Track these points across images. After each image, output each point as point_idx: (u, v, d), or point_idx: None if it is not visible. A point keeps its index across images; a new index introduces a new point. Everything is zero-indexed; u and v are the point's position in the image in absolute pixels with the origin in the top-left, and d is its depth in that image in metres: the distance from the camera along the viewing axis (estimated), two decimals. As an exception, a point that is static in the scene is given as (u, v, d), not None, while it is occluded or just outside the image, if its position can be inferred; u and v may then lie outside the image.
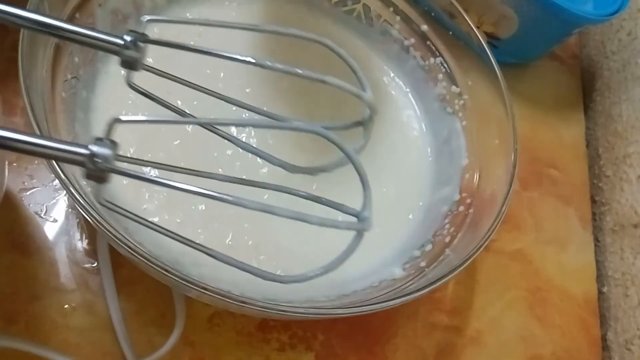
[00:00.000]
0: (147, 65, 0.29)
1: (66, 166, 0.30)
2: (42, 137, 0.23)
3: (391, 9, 0.46)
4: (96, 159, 0.23)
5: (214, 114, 0.37)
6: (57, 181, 0.37)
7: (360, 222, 0.26)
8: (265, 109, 0.41)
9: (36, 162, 0.38)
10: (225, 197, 0.24)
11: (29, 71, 0.30)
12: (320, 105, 0.43)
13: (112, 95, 0.39)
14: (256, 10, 0.46)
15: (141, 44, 0.27)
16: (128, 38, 0.26)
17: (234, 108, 0.35)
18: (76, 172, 0.32)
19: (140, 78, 0.30)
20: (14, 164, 0.38)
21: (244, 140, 0.41)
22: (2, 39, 0.40)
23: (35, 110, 0.29)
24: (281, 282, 0.27)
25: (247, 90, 0.43)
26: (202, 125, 0.35)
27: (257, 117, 0.35)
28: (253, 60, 0.27)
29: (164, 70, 0.32)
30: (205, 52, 0.28)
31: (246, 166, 0.39)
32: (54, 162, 0.28)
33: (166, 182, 0.25)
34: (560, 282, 0.46)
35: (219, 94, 0.33)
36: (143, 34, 0.27)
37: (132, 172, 0.24)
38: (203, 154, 0.39)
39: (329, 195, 0.30)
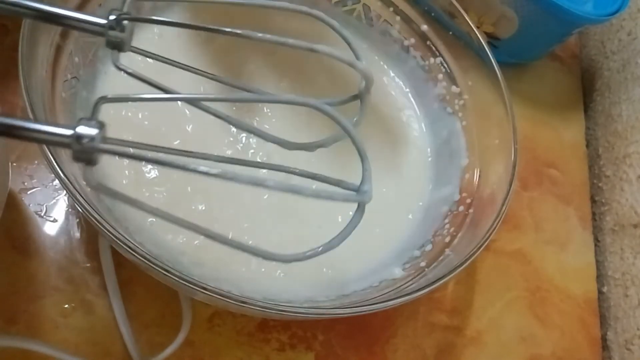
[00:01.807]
0: (135, 47, 0.29)
1: (66, 166, 0.30)
2: (25, 119, 0.23)
3: (391, 9, 0.46)
4: (83, 140, 0.22)
5: (213, 105, 0.37)
6: (57, 181, 0.37)
7: (360, 195, 0.26)
8: (265, 109, 0.42)
9: (36, 162, 0.38)
10: (213, 171, 0.23)
11: (29, 71, 0.30)
12: (319, 118, 0.43)
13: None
14: (256, 8, 0.46)
15: (126, 24, 0.26)
16: (111, 17, 0.26)
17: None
18: (76, 171, 0.32)
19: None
20: (14, 164, 0.38)
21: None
22: (2, 39, 0.40)
23: (35, 110, 0.29)
24: (282, 261, 0.26)
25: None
26: (193, 103, 0.34)
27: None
28: (240, 32, 0.27)
29: (161, 54, 0.31)
30: (192, 27, 0.27)
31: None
32: (53, 161, 0.28)
33: (156, 158, 0.24)
34: (560, 282, 0.46)
35: (213, 74, 0.33)
36: (126, 12, 0.27)
37: (120, 150, 0.23)
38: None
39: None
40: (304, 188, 0.24)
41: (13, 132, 0.22)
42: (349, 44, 0.29)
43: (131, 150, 0.24)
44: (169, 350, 0.34)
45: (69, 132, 0.22)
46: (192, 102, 0.34)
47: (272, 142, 0.32)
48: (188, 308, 0.36)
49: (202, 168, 0.23)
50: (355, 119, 0.30)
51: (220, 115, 0.32)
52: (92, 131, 0.22)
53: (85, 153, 0.22)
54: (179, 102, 0.40)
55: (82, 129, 0.22)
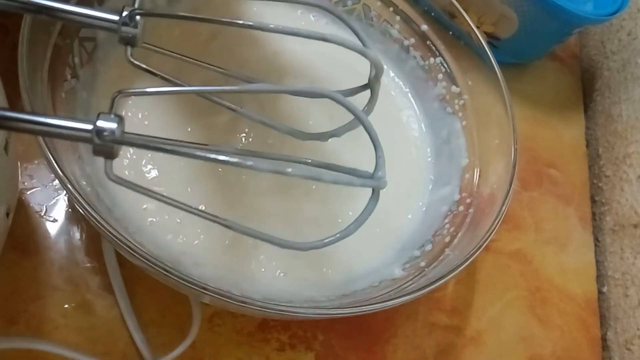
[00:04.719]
0: (146, 43, 0.29)
1: (66, 166, 0.30)
2: (45, 115, 0.23)
3: (391, 9, 0.47)
4: (104, 134, 0.22)
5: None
6: (57, 181, 0.37)
7: (375, 181, 0.26)
8: (265, 107, 0.42)
9: (36, 162, 0.38)
10: (233, 160, 0.24)
11: (29, 71, 0.30)
12: (319, 109, 0.44)
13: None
14: (257, 10, 0.46)
15: (138, 19, 0.26)
16: (124, 13, 0.26)
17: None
18: (76, 171, 0.32)
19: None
20: (14, 164, 0.38)
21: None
22: (2, 39, 0.40)
23: (35, 110, 0.29)
24: (299, 249, 0.27)
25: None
26: (204, 95, 0.34)
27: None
28: (251, 23, 0.27)
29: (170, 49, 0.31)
30: (203, 20, 0.27)
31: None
32: (53, 161, 0.28)
33: (175, 150, 0.24)
34: (560, 282, 0.46)
35: (223, 68, 0.33)
36: (138, 8, 0.27)
37: (141, 142, 0.24)
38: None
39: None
40: (324, 174, 0.25)
41: (33, 128, 0.22)
42: (356, 34, 0.29)
43: (151, 143, 0.24)
44: (177, 352, 0.34)
45: (89, 126, 0.22)
46: (205, 93, 0.34)
47: (284, 133, 0.32)
48: (198, 310, 0.36)
49: (222, 157, 0.24)
50: (365, 108, 0.30)
51: (232, 108, 0.33)
52: (112, 125, 0.22)
53: (106, 147, 0.23)
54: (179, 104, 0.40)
55: (102, 123, 0.22)
